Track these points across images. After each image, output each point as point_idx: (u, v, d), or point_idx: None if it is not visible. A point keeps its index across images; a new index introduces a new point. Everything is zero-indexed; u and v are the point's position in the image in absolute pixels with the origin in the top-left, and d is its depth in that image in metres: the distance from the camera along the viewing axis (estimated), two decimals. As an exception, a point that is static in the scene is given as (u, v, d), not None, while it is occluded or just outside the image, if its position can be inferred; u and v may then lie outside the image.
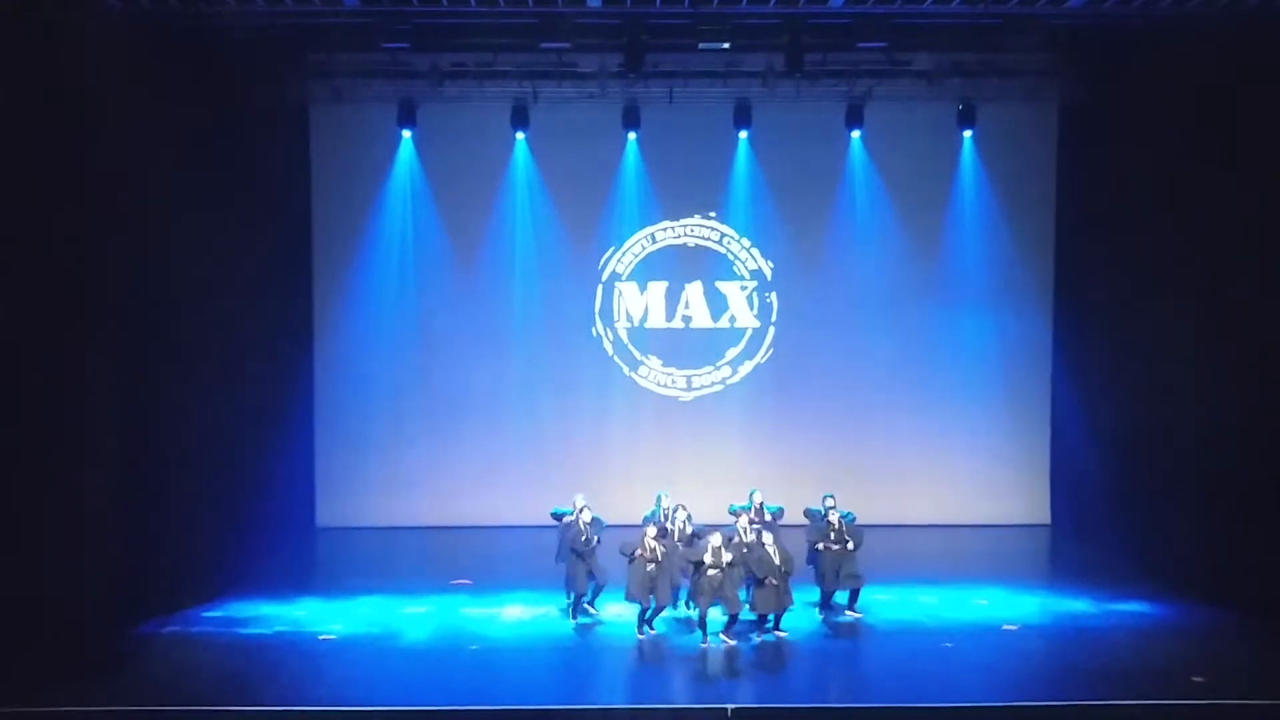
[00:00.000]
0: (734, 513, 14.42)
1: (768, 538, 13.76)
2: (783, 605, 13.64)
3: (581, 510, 14.20)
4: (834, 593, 14.39)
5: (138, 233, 13.51)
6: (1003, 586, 15.48)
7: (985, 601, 14.85)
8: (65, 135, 12.09)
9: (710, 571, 13.23)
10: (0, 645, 11.98)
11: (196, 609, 14.37)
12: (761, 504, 14.74)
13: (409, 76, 17.13)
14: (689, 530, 14.30)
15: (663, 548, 13.58)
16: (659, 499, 14.97)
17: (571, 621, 14.04)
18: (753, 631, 13.75)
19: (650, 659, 13.21)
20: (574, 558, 14.01)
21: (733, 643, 13.42)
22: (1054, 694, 11.84)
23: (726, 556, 13.25)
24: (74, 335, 12.31)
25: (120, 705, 11.49)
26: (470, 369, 18.89)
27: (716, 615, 13.53)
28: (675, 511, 14.57)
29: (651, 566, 13.48)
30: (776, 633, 13.72)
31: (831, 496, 14.67)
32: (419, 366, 18.94)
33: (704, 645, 13.36)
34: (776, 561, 13.47)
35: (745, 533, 14.01)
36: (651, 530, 13.78)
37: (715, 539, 13.39)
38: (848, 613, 14.35)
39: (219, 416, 15.43)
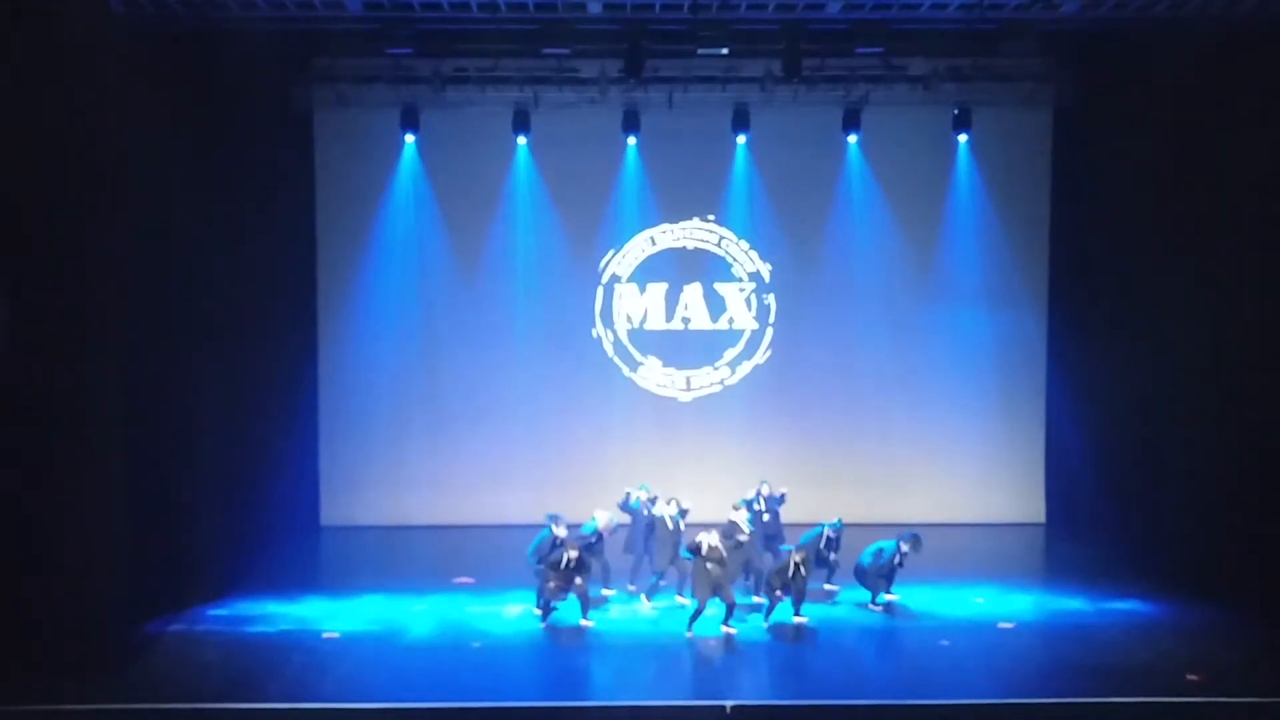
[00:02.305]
0: (737, 508, 14.82)
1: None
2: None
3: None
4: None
5: (142, 236, 13.55)
6: (998, 585, 15.60)
7: (981, 599, 14.97)
8: (69, 140, 12.15)
9: (708, 565, 13.48)
10: (6, 644, 12.07)
11: (202, 607, 14.46)
12: (770, 494, 15.19)
13: (412, 82, 17.26)
14: (677, 525, 14.63)
15: (573, 545, 13.91)
16: (643, 489, 15.32)
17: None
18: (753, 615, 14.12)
19: (651, 656, 13.31)
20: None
21: (734, 631, 13.66)
22: (1049, 691, 11.95)
23: (722, 549, 13.56)
24: (78, 336, 12.36)
25: (126, 703, 11.58)
26: (472, 370, 19.00)
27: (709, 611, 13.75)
28: (669, 503, 14.84)
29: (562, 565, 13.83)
30: (795, 619, 14.09)
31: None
32: (422, 367, 19.06)
33: (689, 635, 13.68)
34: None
35: (744, 525, 14.43)
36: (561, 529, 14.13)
37: (711, 536, 13.65)
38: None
39: (224, 417, 15.53)
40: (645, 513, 15.09)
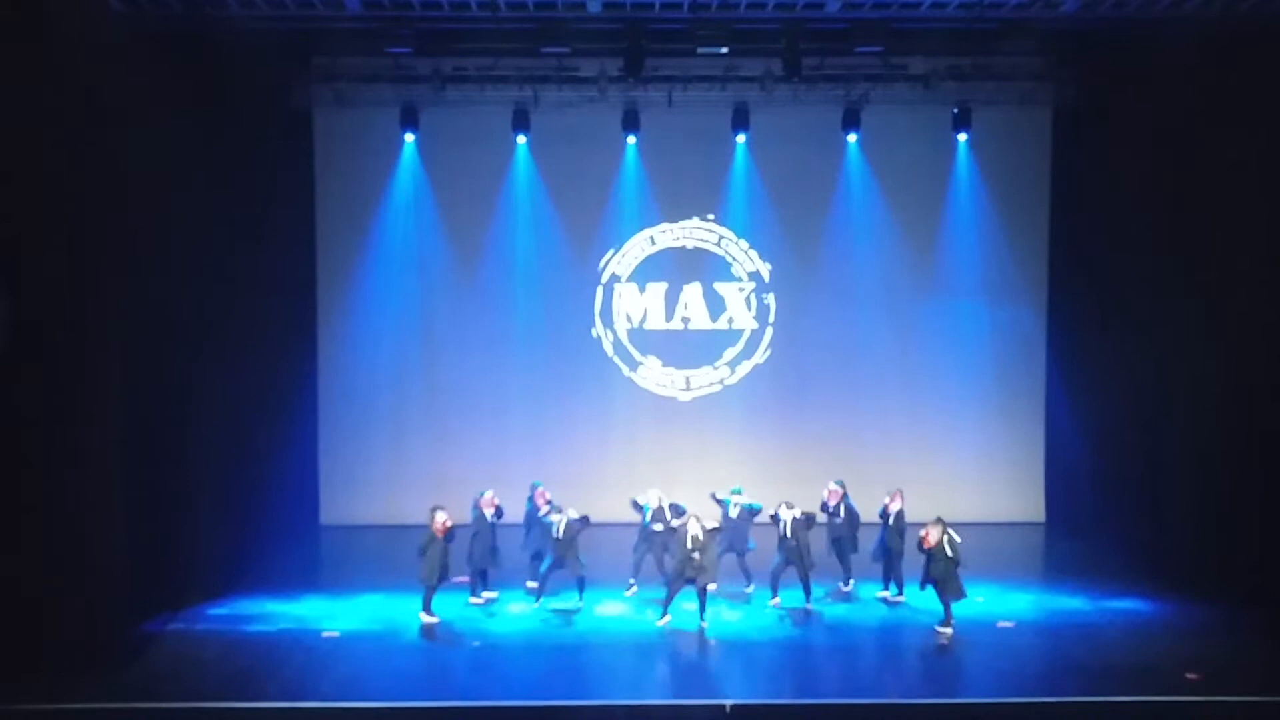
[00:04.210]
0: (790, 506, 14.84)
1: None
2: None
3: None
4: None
5: (142, 234, 13.57)
6: (998, 584, 15.61)
7: (981, 598, 14.94)
8: (69, 139, 12.16)
9: (693, 555, 13.67)
10: (6, 642, 12.07)
11: (201, 606, 14.49)
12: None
13: (411, 81, 17.28)
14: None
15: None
16: (534, 488, 15.38)
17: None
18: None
19: (650, 655, 13.33)
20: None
21: (705, 624, 13.82)
22: (1049, 690, 11.96)
23: (703, 540, 13.76)
24: (78, 334, 12.38)
25: (126, 702, 11.59)
26: (472, 369, 19.03)
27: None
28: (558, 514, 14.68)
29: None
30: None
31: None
32: (421, 367, 19.08)
33: (663, 622, 13.94)
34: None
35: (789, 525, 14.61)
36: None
37: (693, 525, 13.83)
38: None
39: (224, 416, 15.54)
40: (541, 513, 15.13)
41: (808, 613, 14.54)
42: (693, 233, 19.31)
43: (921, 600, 14.64)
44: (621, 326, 19.36)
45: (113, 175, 12.69)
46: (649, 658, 13.29)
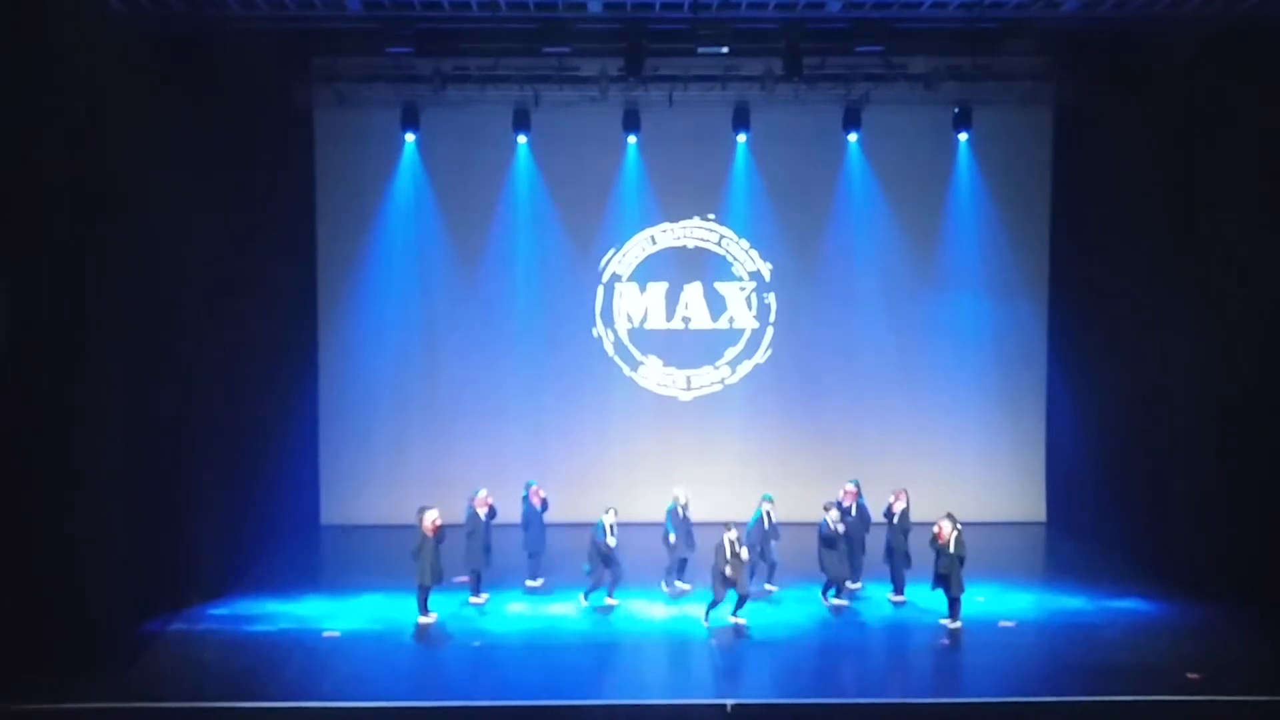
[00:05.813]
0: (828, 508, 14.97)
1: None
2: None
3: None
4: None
5: (143, 235, 13.55)
6: (999, 583, 15.61)
7: (982, 598, 14.95)
8: (69, 139, 12.15)
9: (727, 559, 13.71)
10: (8, 643, 12.07)
11: (202, 606, 14.51)
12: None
13: (412, 81, 17.30)
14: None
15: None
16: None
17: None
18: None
19: (652, 655, 13.36)
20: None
21: (742, 621, 13.91)
22: (1050, 690, 11.97)
23: (741, 548, 13.79)
24: (79, 335, 12.37)
25: (127, 702, 11.61)
26: (472, 369, 19.04)
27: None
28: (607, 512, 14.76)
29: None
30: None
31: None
32: (422, 366, 19.10)
33: (706, 624, 13.93)
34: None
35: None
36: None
37: (731, 533, 13.85)
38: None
39: (225, 416, 15.53)
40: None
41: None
42: (693, 232, 19.31)
43: (925, 600, 14.65)
44: (622, 326, 19.35)
45: (113, 175, 12.66)
46: (650, 657, 13.30)
